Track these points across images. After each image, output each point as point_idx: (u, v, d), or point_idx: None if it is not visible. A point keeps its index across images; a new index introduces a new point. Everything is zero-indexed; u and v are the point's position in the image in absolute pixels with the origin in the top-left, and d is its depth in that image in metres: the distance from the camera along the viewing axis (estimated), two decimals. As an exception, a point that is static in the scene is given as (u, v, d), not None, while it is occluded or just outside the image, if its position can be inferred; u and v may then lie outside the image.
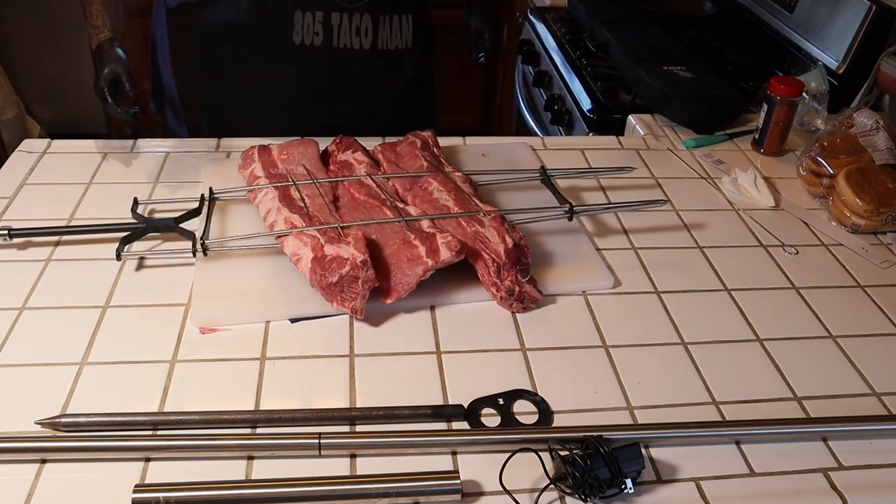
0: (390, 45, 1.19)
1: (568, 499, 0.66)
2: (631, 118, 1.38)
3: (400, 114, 1.33)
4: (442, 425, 0.73)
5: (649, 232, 1.04)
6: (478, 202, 0.95)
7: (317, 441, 0.68)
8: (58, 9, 2.85)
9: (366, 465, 0.68)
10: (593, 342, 0.84)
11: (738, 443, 0.73)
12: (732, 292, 0.94)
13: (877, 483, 0.70)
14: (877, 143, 1.13)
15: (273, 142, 1.07)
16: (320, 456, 0.68)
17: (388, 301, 0.84)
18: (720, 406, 0.77)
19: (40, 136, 2.50)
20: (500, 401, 0.75)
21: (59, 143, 1.16)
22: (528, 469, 0.67)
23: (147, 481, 0.66)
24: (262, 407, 0.74)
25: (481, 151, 1.19)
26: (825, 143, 1.16)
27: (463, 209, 0.93)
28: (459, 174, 1.02)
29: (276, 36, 1.19)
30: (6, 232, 0.92)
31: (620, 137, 1.30)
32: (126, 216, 0.97)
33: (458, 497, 0.65)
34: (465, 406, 0.74)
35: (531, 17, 2.03)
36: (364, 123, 1.27)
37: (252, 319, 0.84)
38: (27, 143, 1.16)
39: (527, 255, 0.88)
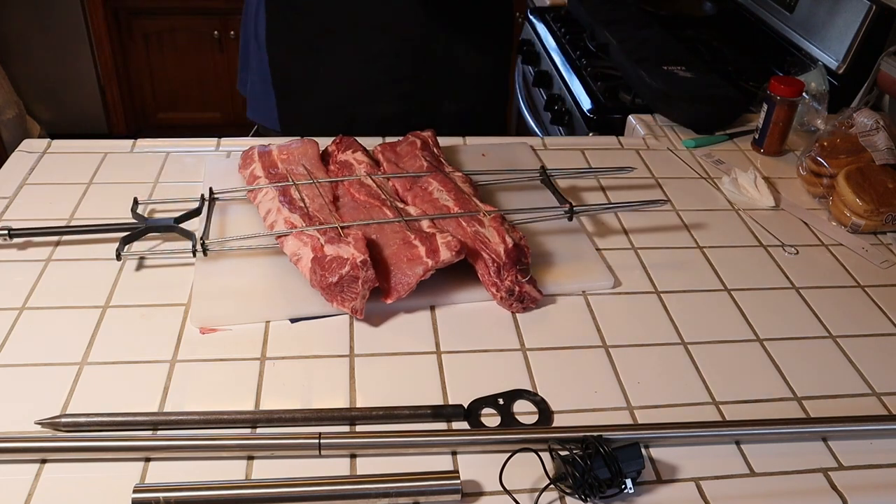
0: None
1: (568, 499, 0.66)
2: (631, 118, 1.38)
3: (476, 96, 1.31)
4: (442, 425, 0.73)
5: (649, 232, 1.04)
6: (478, 202, 0.95)
7: (317, 441, 0.68)
8: (58, 9, 2.85)
9: (366, 465, 0.68)
10: (593, 342, 0.84)
11: (738, 443, 0.73)
12: (732, 292, 0.94)
13: (877, 483, 0.70)
14: (877, 143, 1.13)
15: (273, 140, 1.07)
16: (320, 456, 0.68)
17: (388, 301, 0.84)
18: (720, 406, 0.77)
19: (40, 136, 2.51)
20: (500, 401, 0.75)
21: (59, 143, 1.16)
22: (528, 469, 0.67)
23: (147, 481, 0.66)
24: (262, 407, 0.74)
25: (481, 151, 1.18)
26: (825, 143, 1.16)
27: (463, 209, 0.93)
28: (459, 174, 1.02)
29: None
30: (6, 232, 0.92)
31: (620, 137, 1.30)
32: (126, 216, 0.97)
33: (458, 497, 0.65)
34: (465, 406, 0.74)
35: (531, 17, 2.03)
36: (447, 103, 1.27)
37: (252, 319, 0.84)
38: (27, 143, 1.16)
39: (527, 255, 0.88)
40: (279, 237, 0.89)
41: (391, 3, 1.19)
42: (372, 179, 0.99)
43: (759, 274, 0.97)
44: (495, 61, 1.33)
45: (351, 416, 0.73)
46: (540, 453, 0.67)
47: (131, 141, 1.18)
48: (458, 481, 0.65)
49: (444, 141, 1.16)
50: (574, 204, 0.99)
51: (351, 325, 0.84)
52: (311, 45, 1.26)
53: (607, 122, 1.44)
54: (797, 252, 1.02)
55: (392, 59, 1.26)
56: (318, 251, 0.84)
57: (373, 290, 0.83)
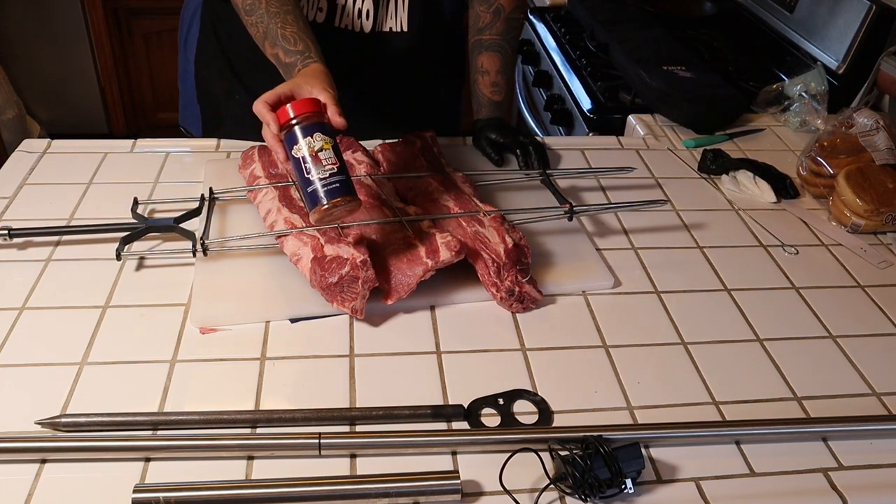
0: (385, 27, 1.18)
1: (568, 499, 0.66)
2: (631, 118, 1.38)
3: (418, 108, 1.30)
4: (442, 425, 0.73)
5: (649, 232, 1.04)
6: (478, 202, 0.95)
7: (317, 441, 0.68)
8: (58, 9, 2.85)
9: (366, 465, 0.68)
10: (593, 342, 0.84)
11: (738, 443, 0.73)
12: (732, 292, 0.94)
13: (877, 483, 0.70)
14: (877, 143, 1.13)
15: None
16: (320, 456, 0.68)
17: (389, 302, 0.84)
18: (720, 406, 0.77)
19: (40, 136, 2.51)
20: (500, 401, 0.75)
21: (59, 143, 1.16)
22: (528, 469, 0.67)
23: (147, 481, 0.66)
24: (262, 407, 0.74)
25: (481, 151, 1.18)
26: (825, 143, 1.16)
27: (463, 209, 0.93)
28: (459, 174, 1.02)
29: None
30: (6, 232, 0.92)
31: (620, 137, 1.30)
32: (126, 216, 0.97)
33: (458, 497, 0.65)
34: (465, 406, 0.74)
35: (531, 17, 2.03)
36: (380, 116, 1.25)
37: (252, 319, 0.84)
38: (27, 143, 1.16)
39: (527, 255, 0.88)
40: (279, 237, 0.89)
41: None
42: (372, 179, 0.99)
43: (759, 274, 0.97)
44: (415, 58, 1.25)
45: (351, 416, 0.73)
46: (540, 453, 0.67)
47: (131, 141, 1.18)
48: (458, 481, 0.65)
49: (444, 141, 1.16)
50: (574, 204, 0.99)
51: (351, 325, 0.84)
52: (237, 72, 1.25)
53: (607, 122, 1.44)
54: (797, 252, 1.02)
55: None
56: (318, 251, 0.84)
57: (373, 290, 0.83)
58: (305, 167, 0.79)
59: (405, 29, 1.17)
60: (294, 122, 0.80)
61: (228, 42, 1.24)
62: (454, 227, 0.91)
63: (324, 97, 0.84)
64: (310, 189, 0.80)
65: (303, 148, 0.79)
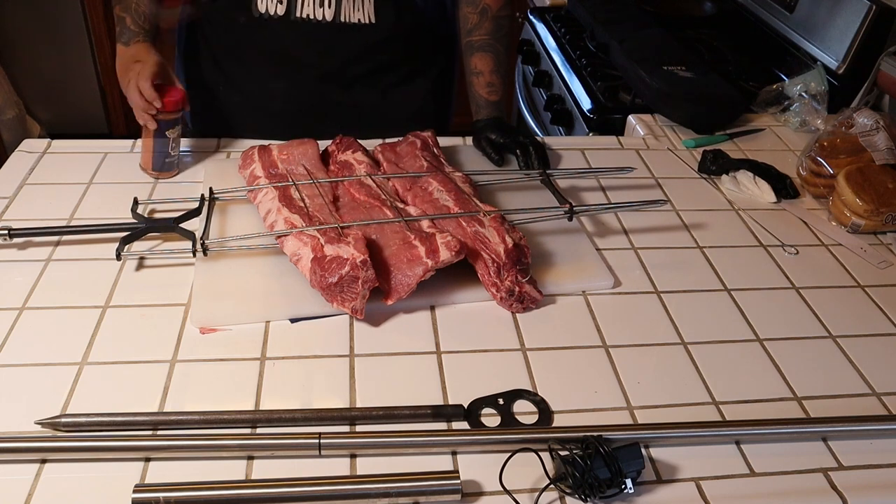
0: (351, 18, 1.19)
1: (568, 499, 0.66)
2: (631, 118, 1.38)
3: (389, 108, 1.30)
4: (442, 425, 0.73)
5: (649, 232, 1.04)
6: (478, 202, 0.95)
7: (317, 441, 0.68)
8: (58, 9, 2.85)
9: (366, 465, 0.68)
10: (593, 342, 0.84)
11: (738, 443, 0.73)
12: (732, 292, 0.94)
13: (877, 483, 0.70)
14: (877, 143, 1.13)
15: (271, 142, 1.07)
16: (320, 456, 0.68)
17: (389, 302, 0.84)
18: (720, 406, 0.77)
19: (40, 136, 2.50)
20: (500, 401, 0.75)
21: (59, 143, 1.16)
22: (528, 469, 0.67)
23: (147, 481, 0.66)
24: (262, 407, 0.74)
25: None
26: (825, 143, 1.16)
27: (463, 209, 0.93)
28: (459, 174, 1.02)
29: (239, 6, 1.18)
30: (6, 232, 0.92)
31: (620, 137, 1.30)
32: (126, 216, 0.97)
33: (458, 497, 0.65)
34: (465, 406, 0.74)
35: (531, 17, 2.03)
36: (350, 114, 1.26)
37: (252, 319, 0.84)
38: (27, 143, 1.16)
39: (527, 255, 0.88)
40: (279, 237, 0.89)
41: (307, 38, 1.18)
42: (372, 179, 0.99)
43: (759, 274, 0.97)
44: (384, 52, 1.26)
45: (351, 416, 0.73)
46: (540, 453, 0.67)
47: (131, 141, 1.18)
48: (458, 481, 0.65)
49: (444, 141, 1.16)
50: (574, 204, 0.99)
51: (351, 325, 0.84)
52: (222, 66, 1.26)
53: (607, 122, 1.44)
54: (797, 252, 1.02)
55: (294, 96, 1.24)
56: (318, 251, 0.84)
57: (373, 290, 0.83)
58: (173, 144, 1.09)
59: (372, 20, 1.17)
60: (180, 111, 1.08)
61: (213, 37, 1.25)
62: (454, 227, 0.91)
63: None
64: (168, 160, 1.10)
65: (177, 130, 1.09)
